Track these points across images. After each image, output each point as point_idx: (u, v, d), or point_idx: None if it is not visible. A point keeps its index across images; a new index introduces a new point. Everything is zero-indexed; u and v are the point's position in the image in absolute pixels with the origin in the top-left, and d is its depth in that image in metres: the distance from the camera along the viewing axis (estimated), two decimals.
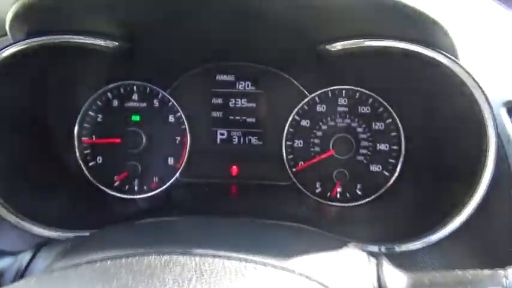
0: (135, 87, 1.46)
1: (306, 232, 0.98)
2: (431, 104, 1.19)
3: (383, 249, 1.02)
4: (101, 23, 0.97)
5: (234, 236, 0.81)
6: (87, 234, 1.06)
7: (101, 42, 1.00)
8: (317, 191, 1.45)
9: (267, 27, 1.01)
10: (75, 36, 0.97)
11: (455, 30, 0.91)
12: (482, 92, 0.89)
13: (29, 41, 0.95)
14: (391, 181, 1.42)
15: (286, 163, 1.45)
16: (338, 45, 0.97)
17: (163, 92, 1.46)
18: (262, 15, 0.93)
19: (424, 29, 0.89)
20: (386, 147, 1.42)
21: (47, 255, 0.83)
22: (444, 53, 0.91)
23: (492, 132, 0.91)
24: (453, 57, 0.92)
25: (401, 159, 1.41)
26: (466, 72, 0.91)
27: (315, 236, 0.95)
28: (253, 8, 0.88)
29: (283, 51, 1.24)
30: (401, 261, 1.02)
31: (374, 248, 1.03)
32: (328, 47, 0.99)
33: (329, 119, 1.44)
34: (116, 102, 1.46)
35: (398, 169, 1.41)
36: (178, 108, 1.45)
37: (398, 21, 0.87)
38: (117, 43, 1.02)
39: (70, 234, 1.08)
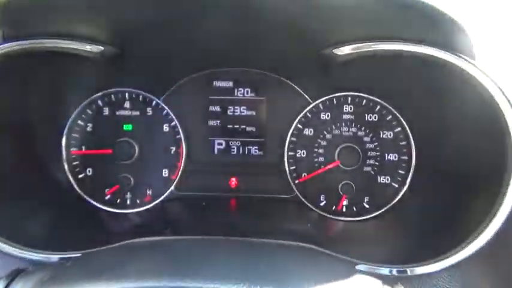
0: (127, 95, 1.37)
1: (313, 256, 0.89)
2: (447, 111, 1.10)
3: (394, 271, 0.93)
4: (85, 27, 0.89)
5: (235, 265, 0.72)
6: (73, 255, 0.97)
7: (86, 47, 0.92)
8: (321, 204, 1.36)
9: (269, 30, 0.93)
10: (57, 41, 0.88)
11: (474, 31, 0.83)
12: (508, 101, 0.81)
13: (5, 45, 0.86)
14: (401, 194, 1.33)
15: (288, 175, 1.36)
16: (346, 49, 0.89)
17: (157, 100, 1.37)
18: (264, 17, 0.84)
19: (442, 30, 0.80)
20: (395, 157, 1.34)
21: (23, 286, 0.75)
22: (465, 57, 0.83)
23: None
24: (474, 62, 0.83)
25: (411, 171, 1.32)
26: (490, 78, 0.82)
27: (323, 261, 0.87)
28: (254, 9, 0.79)
29: (286, 55, 1.15)
30: (414, 286, 0.94)
31: (385, 271, 0.93)
32: (335, 51, 0.90)
33: (334, 127, 1.35)
34: (106, 111, 1.37)
35: (408, 181, 1.32)
36: (173, 116, 1.37)
37: (413, 21, 0.79)
38: (103, 48, 0.93)
39: (55, 256, 0.99)
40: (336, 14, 0.78)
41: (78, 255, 0.96)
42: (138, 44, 1.04)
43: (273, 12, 0.80)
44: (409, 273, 0.93)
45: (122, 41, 0.97)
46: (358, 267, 0.94)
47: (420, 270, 0.93)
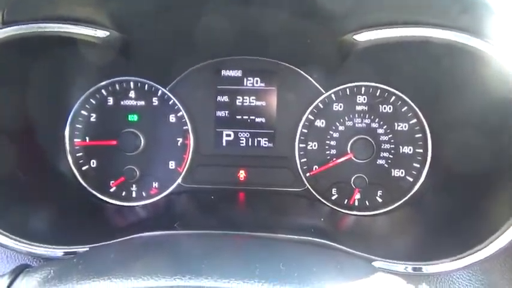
0: (132, 84, 1.32)
1: (330, 253, 0.85)
2: (467, 102, 1.05)
3: (410, 269, 0.90)
4: (89, 10, 0.83)
5: (254, 263, 0.68)
6: (78, 250, 0.94)
7: (91, 32, 0.86)
8: (333, 198, 1.32)
9: (288, 15, 0.87)
10: (60, 25, 0.83)
11: (508, 17, 0.77)
12: None
13: (5, 30, 0.81)
14: (416, 188, 1.28)
15: (299, 167, 1.32)
16: (368, 35, 0.83)
17: (163, 89, 1.32)
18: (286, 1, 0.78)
19: (473, 15, 0.75)
20: (410, 150, 1.29)
21: (27, 283, 0.71)
22: (496, 44, 0.77)
23: None
24: (506, 50, 0.78)
25: (427, 164, 1.27)
26: None
27: (341, 258, 0.83)
28: None
29: (301, 42, 1.10)
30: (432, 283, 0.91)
31: (399, 267, 0.90)
32: (356, 37, 0.85)
33: (347, 119, 1.30)
34: (111, 100, 1.33)
35: (423, 175, 1.28)
36: (180, 106, 1.32)
37: (443, 6, 0.73)
38: (108, 33, 0.88)
39: (60, 251, 0.96)
40: None
41: (84, 249, 0.94)
42: (144, 29, 0.98)
43: None
44: (424, 271, 0.90)
45: (128, 26, 0.92)
46: (374, 263, 0.91)
47: (436, 268, 0.89)
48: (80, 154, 1.33)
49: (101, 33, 0.88)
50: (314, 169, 1.32)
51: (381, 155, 1.29)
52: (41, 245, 0.95)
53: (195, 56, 1.31)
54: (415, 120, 1.28)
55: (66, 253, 0.95)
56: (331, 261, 0.75)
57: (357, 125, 1.30)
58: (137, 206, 1.32)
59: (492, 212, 0.92)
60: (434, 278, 0.95)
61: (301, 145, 1.32)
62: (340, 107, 1.31)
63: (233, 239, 0.84)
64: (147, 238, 0.90)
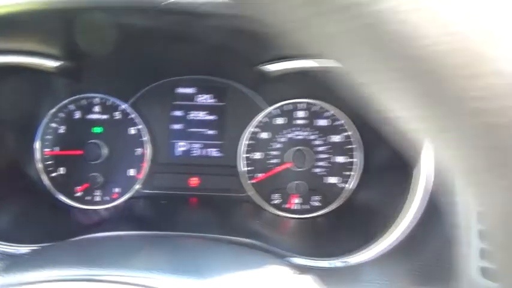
0: (97, 100, 1.48)
1: (242, 249, 0.99)
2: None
3: (338, 263, 1.03)
4: (35, 44, 0.95)
5: (157, 257, 0.82)
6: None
7: (44, 62, 1.01)
8: (273, 202, 1.47)
9: (208, 49, 1.02)
10: (11, 57, 0.96)
11: None
12: None
13: None
14: (347, 193, 1.43)
15: (244, 175, 1.47)
16: (276, 66, 0.98)
17: (124, 105, 1.48)
18: (200, 39, 0.94)
19: None
20: (343, 159, 1.44)
21: None
22: None
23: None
24: None
25: (357, 172, 1.42)
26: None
27: (250, 254, 0.97)
28: (186, 32, 0.89)
29: (235, 68, 1.25)
30: (345, 277, 1.04)
31: (323, 263, 1.03)
32: (266, 67, 1.00)
33: (288, 131, 1.46)
34: (77, 114, 1.48)
35: (354, 181, 1.43)
36: (139, 120, 1.47)
37: None
38: (59, 63, 1.03)
39: (25, 249, 1.09)
40: (250, 37, 0.86)
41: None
42: (96, 60, 1.12)
43: (202, 34, 0.89)
44: (338, 265, 1.02)
45: (78, 58, 1.06)
46: (298, 260, 1.04)
47: (348, 262, 1.03)
48: (50, 162, 1.48)
49: (53, 63, 1.02)
50: (257, 176, 1.47)
51: (318, 164, 1.45)
52: (5, 243, 1.09)
53: (152, 76, 1.47)
54: (349, 133, 1.44)
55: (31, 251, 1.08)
56: (237, 255, 0.89)
57: (297, 137, 1.46)
58: (99, 209, 1.47)
59: (392, 210, 1.06)
60: (344, 273, 1.08)
61: (246, 155, 1.48)
62: (282, 121, 1.47)
63: (156, 239, 0.98)
64: (94, 238, 1.04)
